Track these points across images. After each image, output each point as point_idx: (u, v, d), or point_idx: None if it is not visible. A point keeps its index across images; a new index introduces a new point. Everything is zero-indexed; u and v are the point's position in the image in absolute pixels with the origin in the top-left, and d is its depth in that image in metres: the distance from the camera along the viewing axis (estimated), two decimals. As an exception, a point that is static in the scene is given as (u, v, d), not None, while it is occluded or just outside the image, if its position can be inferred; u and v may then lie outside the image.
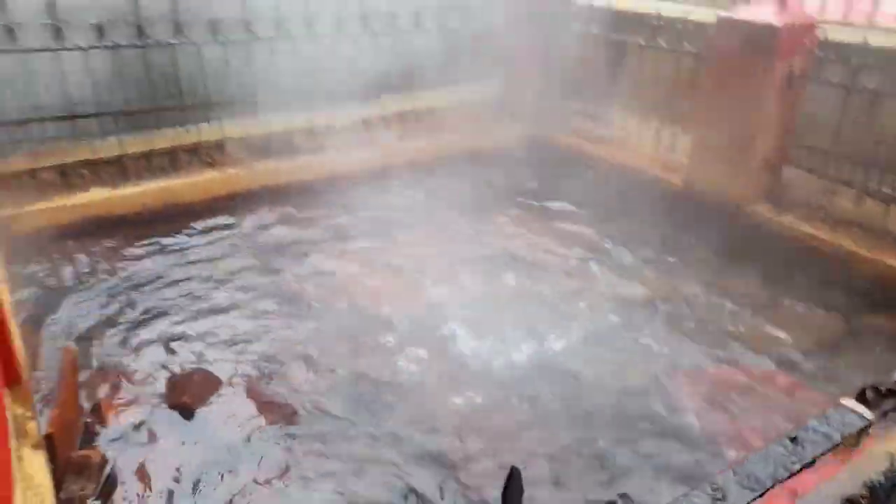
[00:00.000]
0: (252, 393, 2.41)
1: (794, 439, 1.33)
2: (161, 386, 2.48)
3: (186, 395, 2.32)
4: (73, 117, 3.70)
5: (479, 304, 3.26)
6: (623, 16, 4.81)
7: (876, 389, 1.46)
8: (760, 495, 1.19)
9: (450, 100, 5.07)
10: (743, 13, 3.75)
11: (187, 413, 2.31)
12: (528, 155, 5.06)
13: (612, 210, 4.29)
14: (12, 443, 1.78)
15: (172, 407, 2.34)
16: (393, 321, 3.05)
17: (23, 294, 3.00)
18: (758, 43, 3.58)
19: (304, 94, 4.33)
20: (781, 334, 3.12)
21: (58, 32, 3.51)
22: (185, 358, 2.70)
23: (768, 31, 3.53)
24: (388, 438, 2.33)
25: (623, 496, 2.17)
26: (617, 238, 4.01)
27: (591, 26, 4.76)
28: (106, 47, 3.64)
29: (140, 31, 3.73)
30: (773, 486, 1.21)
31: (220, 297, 3.19)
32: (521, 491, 0.89)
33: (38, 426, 1.91)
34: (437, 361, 2.81)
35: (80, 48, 3.58)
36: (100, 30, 3.61)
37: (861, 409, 1.42)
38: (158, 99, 3.93)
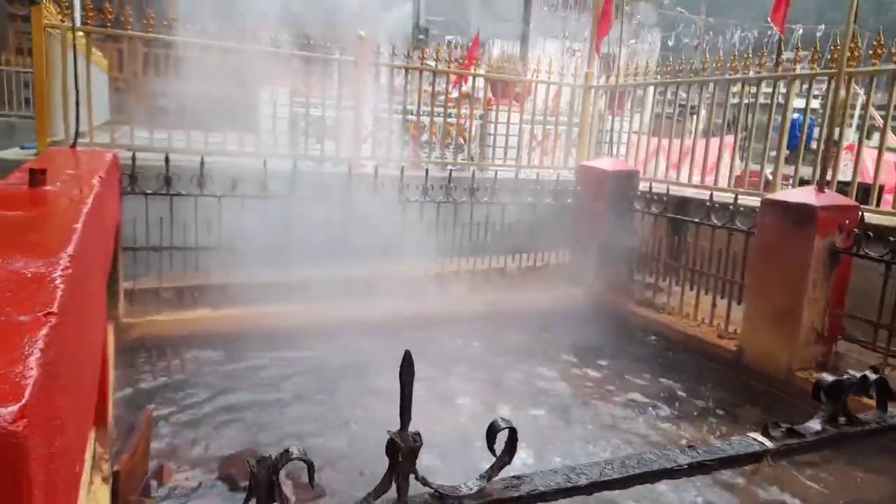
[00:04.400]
0: (290, 475, 2.67)
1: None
2: (216, 462, 2.82)
3: (234, 468, 2.63)
4: (196, 249, 4.47)
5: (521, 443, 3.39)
6: (679, 199, 5.28)
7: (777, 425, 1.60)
8: None
9: (520, 264, 5.57)
10: (785, 195, 4.10)
11: (233, 483, 2.60)
12: (588, 317, 5.35)
13: (666, 372, 4.40)
14: (86, 474, 2.15)
15: (221, 478, 2.65)
16: (431, 446, 3.25)
17: (121, 383, 3.52)
18: (799, 221, 3.87)
19: (397, 248, 5.01)
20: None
21: (203, 182, 4.40)
22: (241, 442, 3.05)
23: (807, 210, 3.83)
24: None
25: None
26: (668, 398, 4.08)
27: (652, 207, 5.22)
28: (229, 196, 4.48)
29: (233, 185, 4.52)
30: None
31: (282, 404, 3.55)
32: (412, 371, 1.12)
33: (111, 466, 2.27)
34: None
35: (215, 196, 4.44)
36: (233, 183, 4.49)
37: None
38: (265, 242, 4.67)
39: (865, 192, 4.78)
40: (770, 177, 5.51)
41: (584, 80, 7.13)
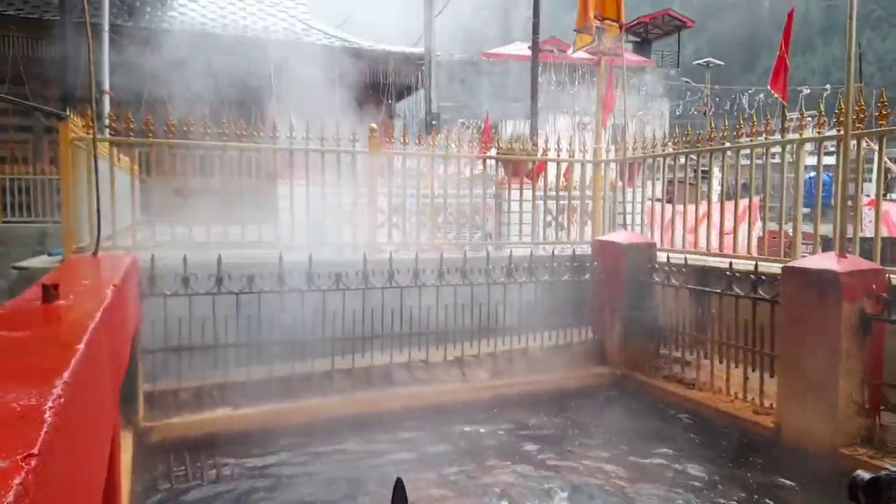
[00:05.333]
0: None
1: None
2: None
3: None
4: (214, 347, 4.46)
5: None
6: (699, 269, 5.19)
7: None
8: None
9: (541, 343, 5.46)
10: (806, 263, 4.01)
11: None
12: (616, 396, 5.18)
13: (701, 453, 4.19)
14: None
15: None
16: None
17: (138, 490, 3.43)
18: (823, 289, 3.76)
19: (415, 334, 4.98)
20: None
21: (220, 282, 4.44)
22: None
23: (830, 277, 3.72)
24: None
25: None
26: (705, 480, 3.86)
27: (671, 278, 5.14)
28: (246, 293, 4.51)
29: (250, 281, 4.54)
30: None
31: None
32: (405, 501, 1.04)
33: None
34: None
35: (233, 293, 4.47)
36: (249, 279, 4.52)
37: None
38: (284, 335, 4.66)
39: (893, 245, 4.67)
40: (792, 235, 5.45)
41: (592, 155, 7.22)
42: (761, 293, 4.34)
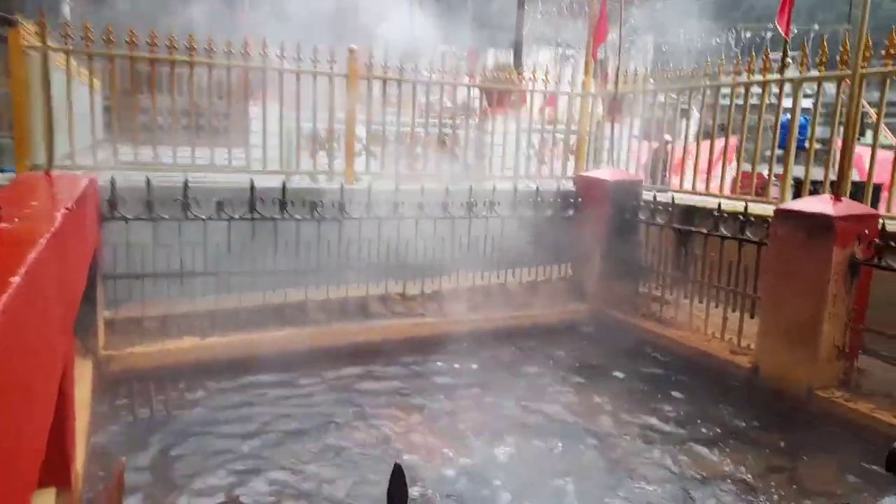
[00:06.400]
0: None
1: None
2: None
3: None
4: (184, 275, 4.25)
5: (523, 468, 3.18)
6: (685, 208, 5.08)
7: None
8: None
9: (521, 279, 5.36)
10: (800, 205, 3.90)
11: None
12: (592, 332, 5.16)
13: (676, 390, 4.19)
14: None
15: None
16: (433, 478, 3.04)
17: (97, 423, 3.29)
18: (815, 232, 3.67)
19: (385, 267, 4.83)
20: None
21: (186, 207, 4.19)
22: (225, 487, 2.82)
23: (825, 221, 3.62)
24: None
25: None
26: (678, 418, 3.85)
27: (657, 217, 5.02)
28: (214, 220, 4.26)
29: (219, 207, 4.29)
30: None
31: (275, 442, 3.33)
32: (404, 486, 0.92)
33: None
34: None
35: (200, 218, 4.23)
36: (219, 205, 4.27)
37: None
38: (256, 265, 4.45)
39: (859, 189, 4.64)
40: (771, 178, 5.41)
41: (580, 87, 6.95)
42: (748, 235, 4.25)
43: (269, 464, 3.11)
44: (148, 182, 4.04)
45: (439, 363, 4.52)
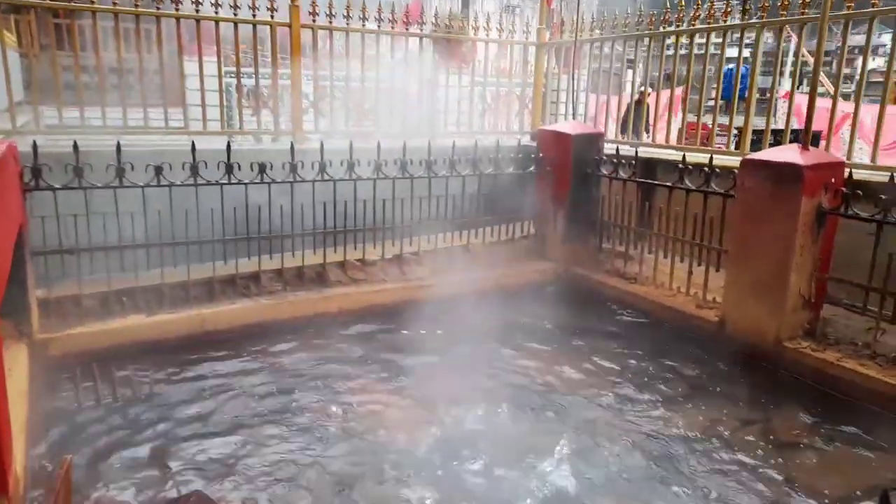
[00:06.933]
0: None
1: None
2: (159, 510, 2.38)
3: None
4: (123, 248, 3.90)
5: (495, 436, 3.09)
6: (649, 162, 4.99)
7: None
8: None
9: (483, 239, 5.20)
10: (767, 155, 3.84)
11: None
12: (557, 292, 5.08)
13: (643, 347, 4.16)
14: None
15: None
16: (406, 447, 2.91)
17: (39, 414, 3.01)
18: (783, 182, 3.62)
19: (350, 230, 4.59)
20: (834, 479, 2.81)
21: (121, 173, 3.81)
22: (185, 480, 2.61)
23: (792, 170, 3.57)
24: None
25: None
26: (647, 375, 3.83)
27: (620, 171, 4.91)
28: (160, 186, 3.92)
29: (158, 172, 3.94)
30: None
31: (231, 423, 3.12)
32: None
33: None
34: (451, 493, 2.62)
35: (138, 186, 3.86)
36: (157, 170, 3.91)
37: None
38: (202, 234, 4.14)
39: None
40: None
41: (535, 37, 6.72)
42: (713, 187, 4.19)
43: (240, 452, 2.91)
44: (75, 146, 3.65)
45: (404, 331, 4.36)
